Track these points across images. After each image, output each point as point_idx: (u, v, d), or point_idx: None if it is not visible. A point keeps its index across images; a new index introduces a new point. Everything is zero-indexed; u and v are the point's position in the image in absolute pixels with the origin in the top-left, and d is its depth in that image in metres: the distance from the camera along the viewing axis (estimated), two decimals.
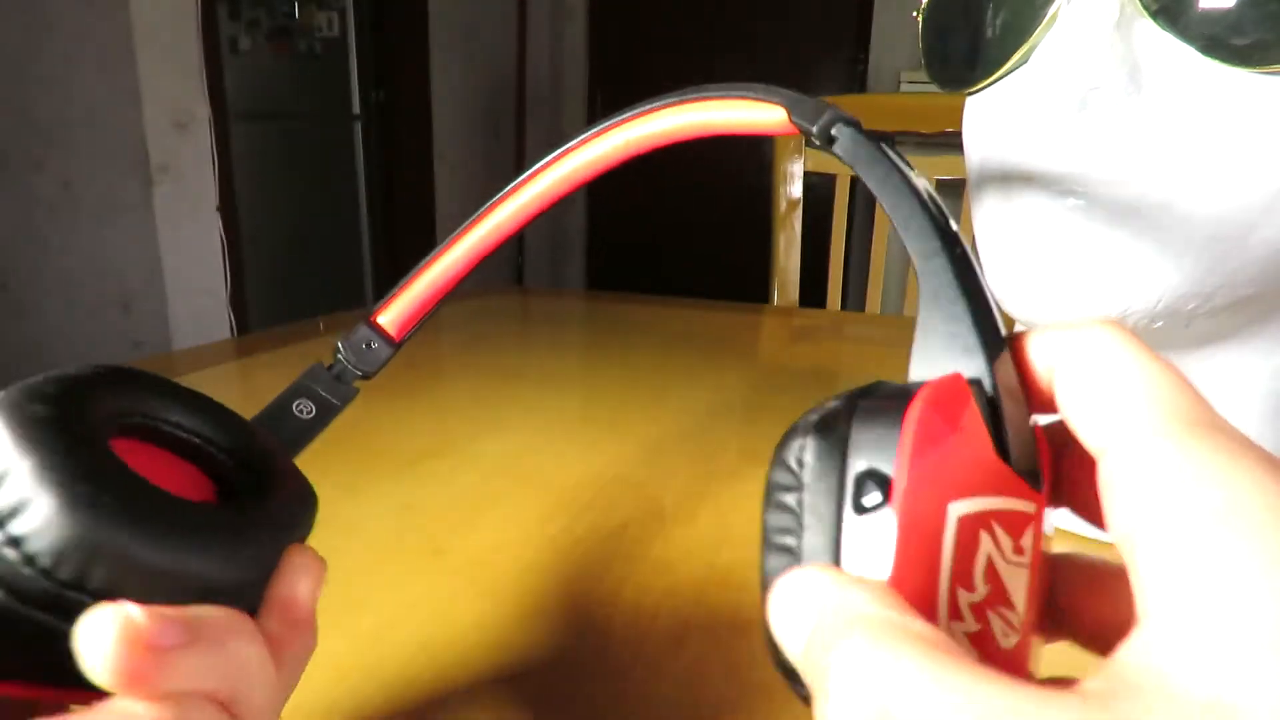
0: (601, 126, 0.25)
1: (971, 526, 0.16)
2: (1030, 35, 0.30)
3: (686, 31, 3.25)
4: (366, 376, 0.28)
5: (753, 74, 2.99)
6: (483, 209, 0.27)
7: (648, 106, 0.24)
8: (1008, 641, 0.16)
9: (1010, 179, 0.32)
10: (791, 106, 0.21)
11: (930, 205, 0.19)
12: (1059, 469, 0.19)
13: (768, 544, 0.17)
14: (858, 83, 3.10)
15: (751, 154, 3.27)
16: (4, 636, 0.18)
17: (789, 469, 0.17)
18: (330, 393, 0.28)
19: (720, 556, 0.39)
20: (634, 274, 3.62)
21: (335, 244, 3.14)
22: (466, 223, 0.27)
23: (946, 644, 0.14)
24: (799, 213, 1.10)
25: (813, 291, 1.08)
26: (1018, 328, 0.40)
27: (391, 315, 0.28)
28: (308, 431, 0.27)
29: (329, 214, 3.11)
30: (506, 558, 0.41)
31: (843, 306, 1.13)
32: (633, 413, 0.60)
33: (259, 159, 2.78)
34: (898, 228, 0.19)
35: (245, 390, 0.68)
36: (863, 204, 2.49)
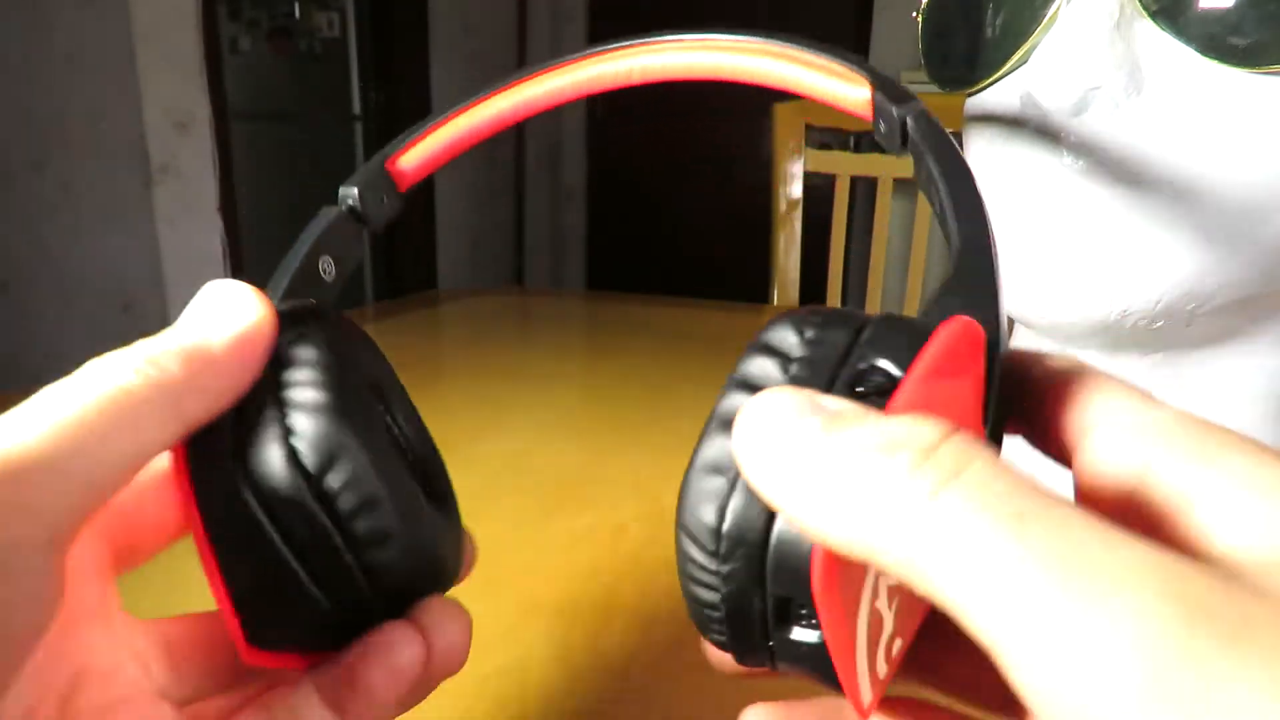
0: (674, 37, 0.23)
1: None
2: (1030, 35, 0.30)
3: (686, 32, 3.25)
4: (372, 229, 0.25)
5: None
6: (526, 72, 0.25)
7: (732, 36, 0.23)
8: None
9: (1009, 179, 0.32)
10: (879, 87, 0.21)
11: (984, 202, 0.19)
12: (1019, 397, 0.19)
13: (729, 385, 0.17)
14: None
15: (752, 154, 3.26)
16: (300, 619, 0.18)
17: (785, 335, 0.17)
18: (348, 249, 0.25)
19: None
20: (634, 274, 3.62)
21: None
22: (506, 80, 0.25)
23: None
24: (799, 213, 1.10)
25: (813, 291, 1.08)
26: (1016, 328, 0.40)
27: (409, 161, 0.25)
28: (330, 294, 0.24)
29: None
30: (507, 557, 0.41)
31: (843, 306, 1.13)
32: (633, 412, 0.60)
33: (259, 159, 2.78)
34: (947, 210, 0.19)
35: None
36: (863, 204, 2.49)
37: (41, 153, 2.14)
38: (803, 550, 0.15)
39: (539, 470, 0.50)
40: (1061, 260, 0.31)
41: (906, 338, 0.16)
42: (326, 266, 0.24)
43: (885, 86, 0.21)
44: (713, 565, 0.16)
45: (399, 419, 0.22)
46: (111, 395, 0.16)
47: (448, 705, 0.31)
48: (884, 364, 0.15)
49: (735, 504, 0.15)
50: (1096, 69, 0.28)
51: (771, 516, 0.15)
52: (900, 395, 0.14)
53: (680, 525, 0.16)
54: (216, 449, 0.18)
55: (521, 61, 3.39)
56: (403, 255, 3.13)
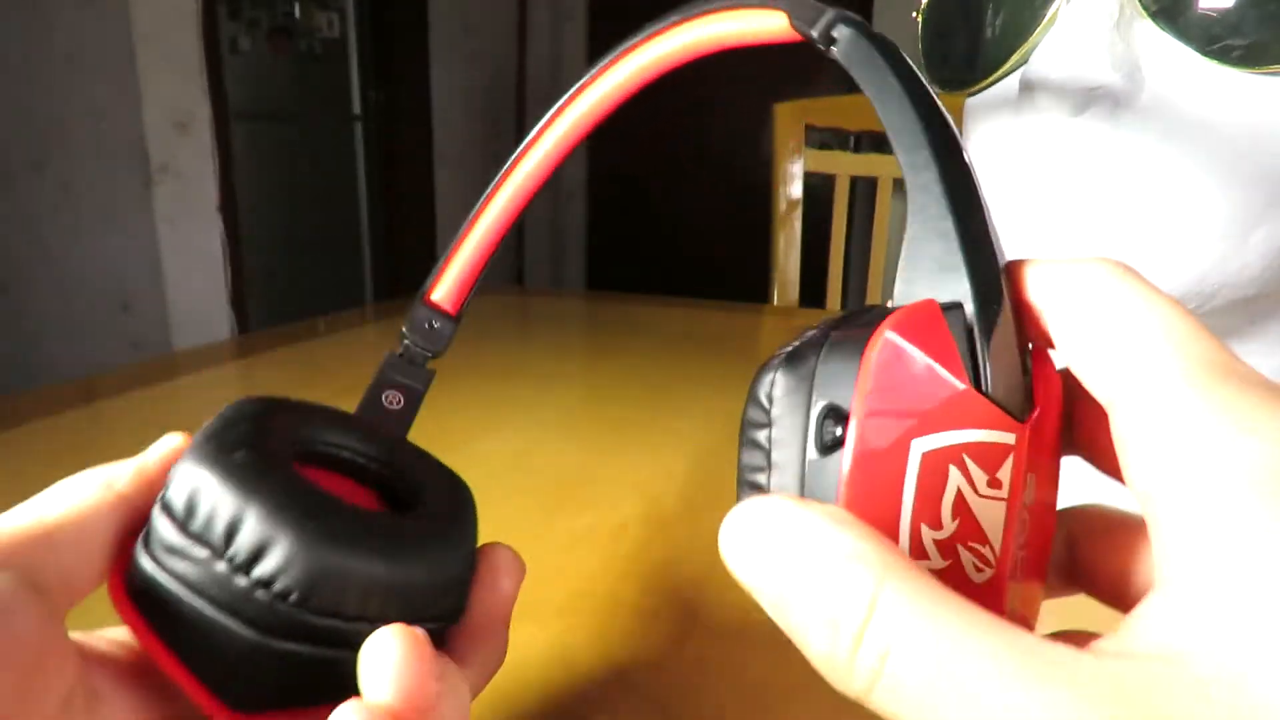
0: (609, 59, 0.24)
1: (938, 462, 0.15)
2: (1030, 35, 0.30)
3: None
4: (436, 355, 0.28)
5: (752, 74, 2.99)
6: (507, 166, 0.26)
7: (651, 30, 0.23)
8: (980, 577, 0.16)
9: (1009, 179, 0.32)
10: (791, 10, 0.20)
11: (929, 113, 0.18)
12: (1072, 412, 0.19)
13: (740, 482, 0.17)
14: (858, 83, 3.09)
15: (751, 154, 3.26)
16: (263, 672, 0.19)
17: (760, 404, 0.17)
18: (411, 378, 0.28)
19: (721, 556, 0.39)
20: (634, 274, 3.62)
21: (335, 244, 3.14)
22: (494, 183, 0.26)
23: (910, 565, 0.14)
24: (799, 213, 1.10)
25: (813, 291, 1.08)
26: None
27: (444, 290, 0.28)
28: (404, 421, 0.28)
29: (329, 214, 3.10)
30: None
31: (843, 306, 1.13)
32: (633, 412, 0.60)
33: (259, 159, 2.78)
34: (891, 140, 0.18)
35: (245, 390, 0.68)
36: (863, 204, 2.49)
37: (41, 153, 2.14)
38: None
39: (539, 470, 0.50)
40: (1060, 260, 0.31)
41: (843, 364, 0.16)
42: (393, 399, 0.28)
43: (797, 8, 0.20)
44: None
45: (365, 458, 0.24)
46: (68, 497, 0.20)
47: None
48: (835, 404, 0.16)
49: None
50: (1097, 69, 0.28)
51: None
52: (853, 430, 0.15)
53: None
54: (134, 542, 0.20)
55: (522, 62, 3.39)
56: (404, 256, 3.13)
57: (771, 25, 0.21)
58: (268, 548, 0.18)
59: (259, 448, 0.20)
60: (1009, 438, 0.15)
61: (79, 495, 0.20)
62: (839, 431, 0.15)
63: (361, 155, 3.17)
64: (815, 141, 1.13)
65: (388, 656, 0.17)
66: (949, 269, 0.16)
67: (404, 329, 0.28)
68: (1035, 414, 0.16)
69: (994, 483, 0.16)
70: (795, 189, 1.09)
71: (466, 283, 0.28)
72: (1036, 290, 0.17)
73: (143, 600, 0.19)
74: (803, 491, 0.16)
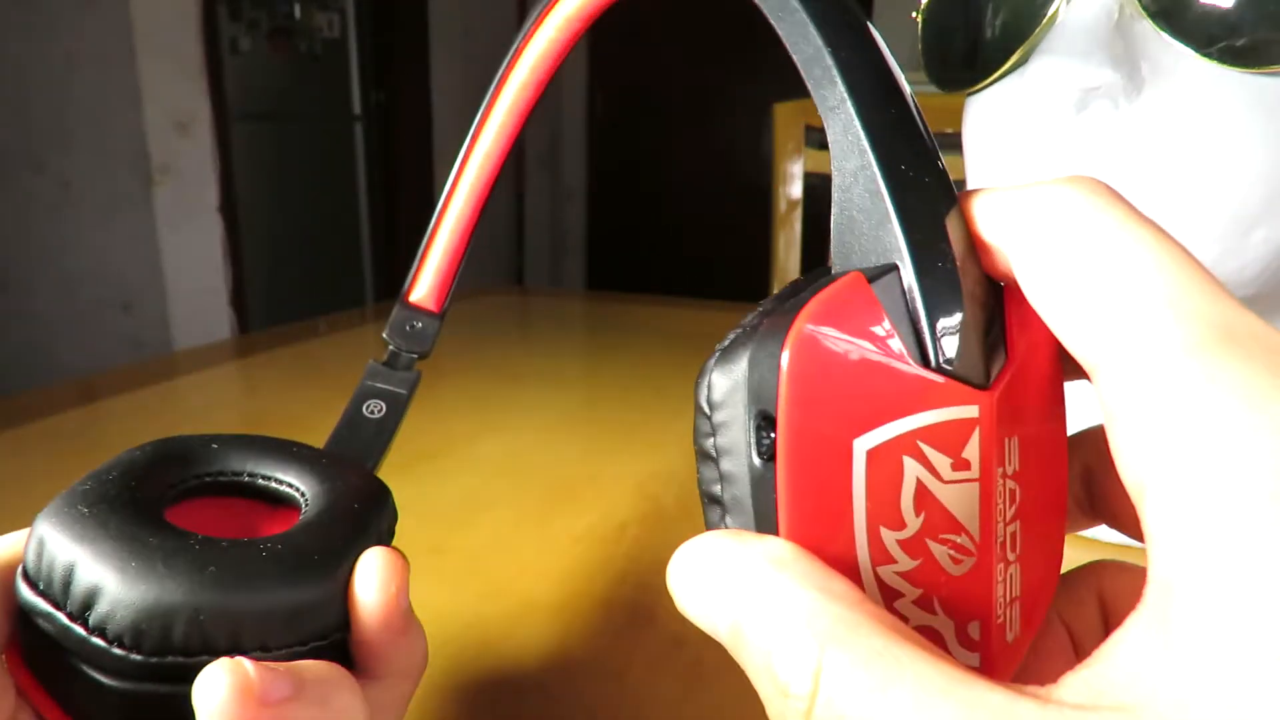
0: (532, 21, 0.24)
1: (889, 456, 0.14)
2: (1029, 36, 0.30)
3: (686, 32, 3.25)
4: (423, 355, 0.28)
5: (752, 74, 2.99)
6: (461, 155, 0.26)
7: None
8: (959, 568, 0.14)
9: (1009, 179, 0.32)
10: None
11: (842, 38, 0.15)
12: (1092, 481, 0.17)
13: (701, 495, 0.16)
14: None
15: (752, 154, 3.26)
16: (139, 714, 0.19)
17: (702, 410, 0.15)
18: (393, 383, 0.28)
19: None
20: (634, 274, 3.62)
21: (335, 244, 3.14)
22: (453, 173, 0.26)
23: (864, 608, 0.13)
24: (799, 213, 1.10)
25: None
26: None
27: (423, 289, 0.27)
28: (386, 428, 0.27)
29: (329, 214, 3.10)
30: (506, 558, 0.41)
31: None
32: (633, 412, 0.60)
33: (259, 159, 2.77)
34: (805, 81, 0.15)
35: (245, 390, 0.68)
36: None
37: (42, 153, 2.14)
38: None
39: (539, 470, 0.50)
40: None
41: (768, 364, 0.14)
42: (374, 408, 0.27)
43: None
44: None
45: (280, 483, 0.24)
46: None
47: (447, 705, 0.31)
48: (765, 408, 0.14)
49: None
50: (1096, 69, 0.28)
51: None
52: (781, 443, 0.14)
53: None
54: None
55: None
56: (404, 256, 3.12)
57: None
58: (95, 595, 0.18)
59: (113, 496, 0.20)
60: (970, 411, 0.14)
61: None
62: (772, 439, 0.14)
63: (361, 155, 3.17)
64: (815, 141, 1.12)
65: (208, 695, 0.17)
66: (880, 224, 0.14)
67: (385, 334, 0.28)
68: (1009, 368, 0.14)
69: (960, 464, 0.14)
70: (795, 189, 1.09)
71: (446, 278, 0.27)
72: (994, 227, 0.14)
73: (31, 658, 0.19)
74: (754, 503, 0.15)
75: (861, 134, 0.14)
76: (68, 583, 0.18)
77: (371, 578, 0.20)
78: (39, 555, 0.19)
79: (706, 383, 0.15)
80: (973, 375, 0.14)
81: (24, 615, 0.19)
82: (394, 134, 3.09)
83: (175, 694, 0.18)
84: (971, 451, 0.14)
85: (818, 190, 1.19)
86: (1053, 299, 0.13)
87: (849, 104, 0.15)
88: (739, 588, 0.14)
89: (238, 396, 0.67)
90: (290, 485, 0.23)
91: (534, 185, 3.51)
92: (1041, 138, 0.31)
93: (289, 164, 2.94)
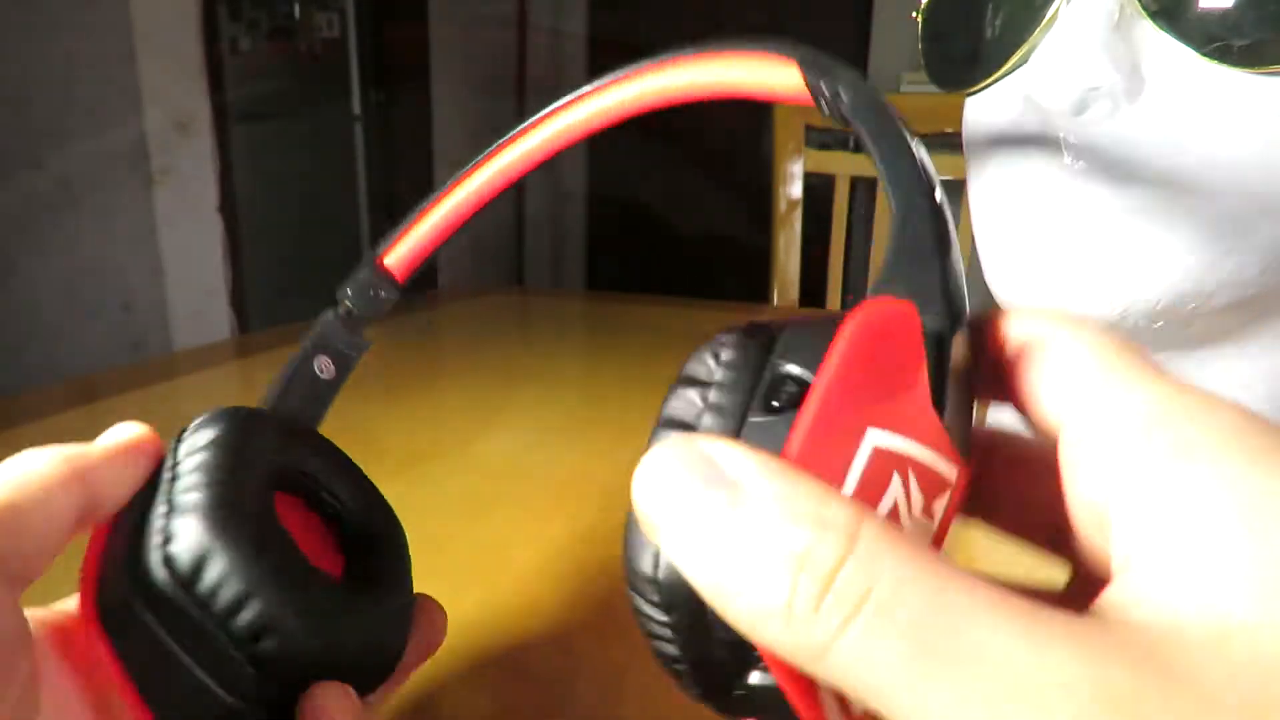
0: (613, 77, 0.23)
1: (885, 462, 0.14)
2: (1029, 35, 0.30)
3: (686, 34, 3.25)
4: (370, 322, 0.27)
5: None
6: (488, 151, 0.25)
7: (662, 59, 0.23)
8: None
9: (1009, 179, 0.32)
10: (804, 64, 0.19)
11: (925, 168, 0.18)
12: (982, 475, 0.18)
13: (658, 425, 0.16)
14: None
15: (752, 154, 3.26)
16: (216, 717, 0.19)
17: (703, 363, 0.16)
18: (347, 346, 0.27)
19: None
20: (634, 274, 3.62)
21: (335, 244, 3.14)
22: (471, 164, 0.26)
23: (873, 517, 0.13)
24: (799, 213, 1.10)
25: (813, 292, 1.08)
26: None
27: (397, 257, 0.26)
28: (330, 391, 0.27)
29: (329, 214, 3.10)
30: (506, 557, 0.41)
31: (843, 307, 1.13)
32: (633, 413, 0.60)
33: (259, 159, 2.77)
34: (887, 181, 0.17)
35: (245, 390, 0.68)
36: (863, 204, 2.49)
37: (41, 153, 2.14)
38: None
39: (539, 470, 0.50)
40: (1061, 260, 0.31)
41: (812, 337, 0.15)
42: (324, 365, 0.26)
43: (810, 62, 0.19)
44: (660, 616, 0.15)
45: (334, 496, 0.24)
46: (32, 477, 0.19)
47: (447, 705, 0.31)
48: (795, 370, 0.15)
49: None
50: (1096, 69, 0.28)
51: None
52: (808, 405, 0.14)
53: (626, 577, 0.16)
54: (114, 556, 0.20)
55: (521, 61, 3.38)
56: None
57: (784, 80, 0.20)
58: (269, 630, 0.19)
59: (256, 505, 0.21)
60: (951, 471, 0.15)
61: (41, 475, 0.20)
62: (794, 396, 0.14)
63: (361, 155, 3.17)
64: (815, 141, 1.12)
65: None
66: (929, 298, 0.16)
67: (346, 289, 0.26)
68: (971, 465, 0.16)
69: (927, 511, 0.15)
70: (795, 189, 1.09)
71: (421, 255, 0.26)
72: (1006, 338, 0.17)
73: (112, 623, 0.20)
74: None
75: (931, 234, 0.16)
76: (238, 608, 0.19)
77: (437, 627, 0.26)
78: (200, 564, 0.19)
79: (716, 345, 0.16)
80: (960, 445, 0.15)
81: (142, 592, 0.19)
82: (394, 134, 3.09)
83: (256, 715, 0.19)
84: (939, 507, 0.15)
85: (818, 190, 1.19)
86: (1038, 376, 0.16)
87: (928, 212, 0.17)
88: (747, 477, 0.13)
89: (237, 396, 0.67)
90: (336, 499, 0.24)
91: (534, 185, 3.51)
92: (1041, 138, 0.31)
93: (289, 164, 2.93)
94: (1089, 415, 0.15)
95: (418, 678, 0.32)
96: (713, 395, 0.15)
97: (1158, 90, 0.29)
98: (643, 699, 0.31)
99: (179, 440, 0.22)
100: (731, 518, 0.12)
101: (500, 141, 0.25)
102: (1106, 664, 0.11)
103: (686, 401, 0.16)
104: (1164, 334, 0.32)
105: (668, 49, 0.23)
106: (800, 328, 0.15)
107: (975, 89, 0.33)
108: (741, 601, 0.12)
